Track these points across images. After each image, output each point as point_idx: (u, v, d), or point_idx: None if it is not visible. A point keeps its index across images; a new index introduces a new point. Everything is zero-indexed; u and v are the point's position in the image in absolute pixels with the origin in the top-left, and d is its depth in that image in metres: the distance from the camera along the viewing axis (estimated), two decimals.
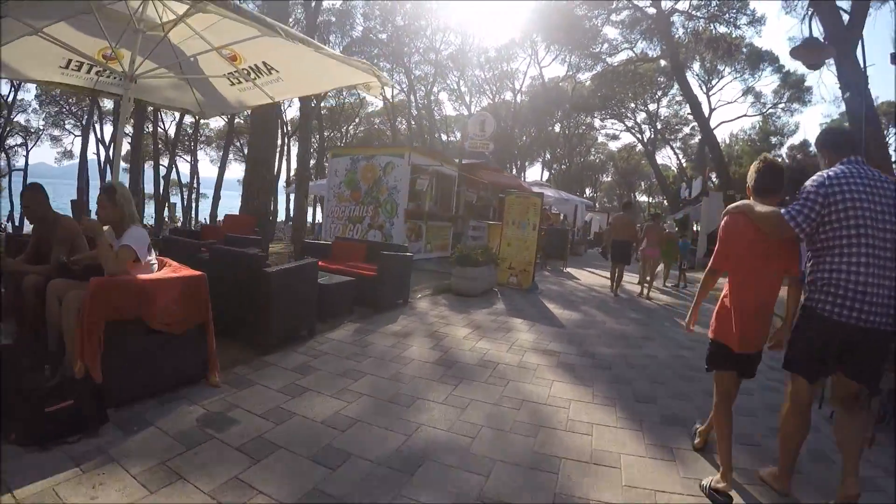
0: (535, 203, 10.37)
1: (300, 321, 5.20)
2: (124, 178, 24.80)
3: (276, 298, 4.65)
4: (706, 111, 39.77)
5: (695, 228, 25.47)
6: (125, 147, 27.40)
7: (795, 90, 40.46)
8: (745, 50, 35.74)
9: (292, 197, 31.85)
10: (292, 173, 37.04)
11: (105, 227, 3.59)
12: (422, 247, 13.62)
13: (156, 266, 3.87)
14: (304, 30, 17.31)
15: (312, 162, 39.74)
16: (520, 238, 10.34)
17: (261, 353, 4.60)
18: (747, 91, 41.92)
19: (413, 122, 43.62)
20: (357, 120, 48.16)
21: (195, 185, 42.33)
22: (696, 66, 37.45)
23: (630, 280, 12.61)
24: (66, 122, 37.77)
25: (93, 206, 3.87)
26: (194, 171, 42.15)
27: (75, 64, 5.22)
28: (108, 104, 33.11)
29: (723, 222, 2.99)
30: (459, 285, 8.77)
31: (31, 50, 4.72)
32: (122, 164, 28.31)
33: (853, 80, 16.07)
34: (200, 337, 3.82)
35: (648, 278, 11.03)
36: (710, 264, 3.06)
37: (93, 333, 3.09)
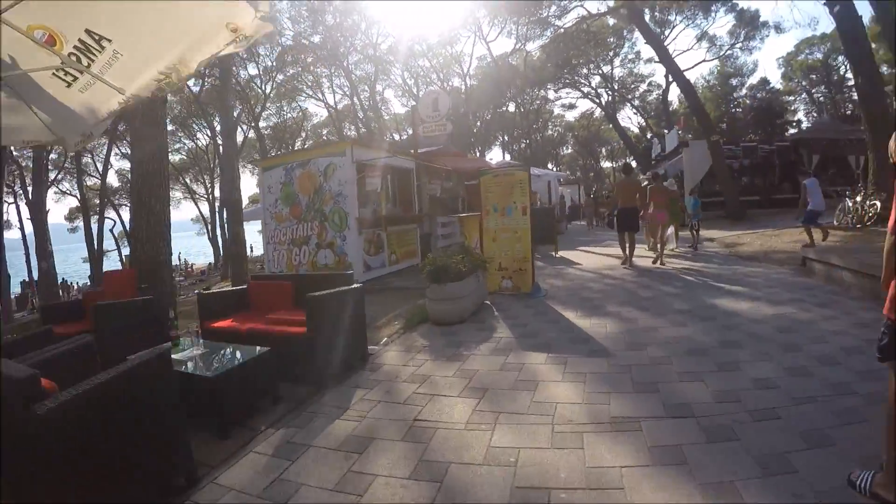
0: (522, 179, 7.89)
1: (166, 465, 2.66)
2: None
3: (69, 462, 2.11)
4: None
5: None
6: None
7: (751, 27, 39.33)
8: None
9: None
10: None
11: None
12: (385, 260, 11.14)
13: None
14: None
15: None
16: (508, 228, 7.88)
17: None
18: (702, 37, 40.63)
19: (361, 126, 40.89)
20: (304, 134, 45.41)
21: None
22: (646, 18, 35.66)
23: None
24: None
25: None
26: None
27: None
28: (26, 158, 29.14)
29: None
30: (439, 311, 6.25)
31: None
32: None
33: None
34: None
35: (660, 245, 10.14)
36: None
37: None
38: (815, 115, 46.27)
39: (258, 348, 3.91)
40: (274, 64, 35.69)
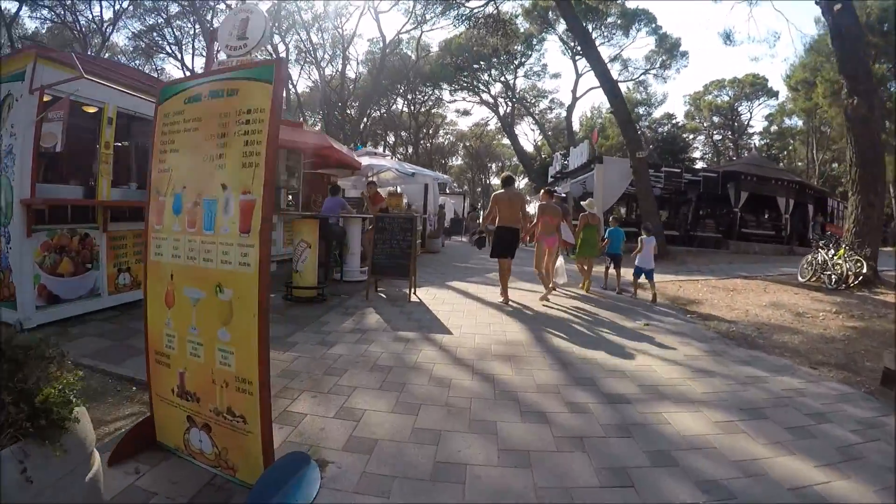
0: (256, 107, 2.25)
1: None
2: None
3: None
4: (572, 78, 35.46)
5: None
6: None
7: (669, 55, 37.70)
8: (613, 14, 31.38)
9: None
10: None
11: None
12: (98, 283, 5.46)
13: None
14: None
15: None
16: (201, 274, 2.43)
17: None
18: (615, 58, 38.36)
19: None
20: None
21: None
22: (562, 28, 32.58)
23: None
24: None
25: None
26: None
27: None
28: None
29: None
30: None
31: None
32: None
33: None
34: None
35: (547, 279, 8.04)
36: None
37: None
38: (710, 155, 46.09)
39: None
40: (128, 6, 28.59)
